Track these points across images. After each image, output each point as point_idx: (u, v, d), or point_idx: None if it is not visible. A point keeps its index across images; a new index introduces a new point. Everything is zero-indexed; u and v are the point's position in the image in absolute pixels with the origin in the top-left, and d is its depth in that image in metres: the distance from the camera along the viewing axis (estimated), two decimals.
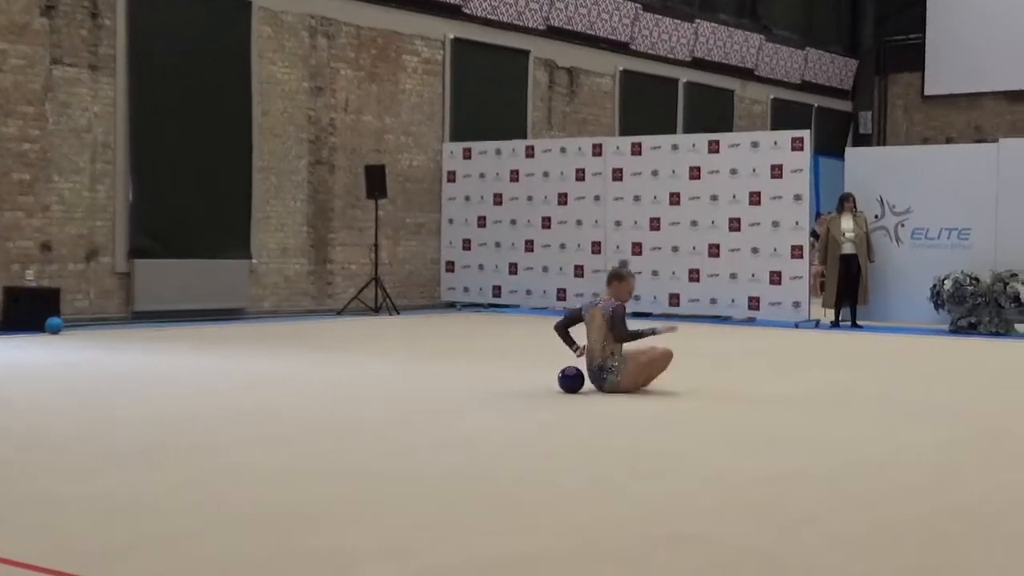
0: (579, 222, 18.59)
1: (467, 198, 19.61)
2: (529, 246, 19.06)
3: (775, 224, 16.97)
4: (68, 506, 5.58)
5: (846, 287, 16.80)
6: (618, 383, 9.52)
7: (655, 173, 17.93)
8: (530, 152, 19.17)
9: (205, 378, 10.53)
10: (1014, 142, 17.17)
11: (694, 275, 17.58)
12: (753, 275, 17.11)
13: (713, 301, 17.49)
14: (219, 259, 16.72)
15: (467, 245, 19.60)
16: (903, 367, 12.58)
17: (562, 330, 9.83)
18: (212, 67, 16.73)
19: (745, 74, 26.62)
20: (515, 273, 19.18)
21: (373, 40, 19.07)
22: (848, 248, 16.75)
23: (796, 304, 16.85)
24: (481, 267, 19.47)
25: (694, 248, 17.58)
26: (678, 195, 17.71)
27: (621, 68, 23.48)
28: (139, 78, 15.93)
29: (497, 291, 19.37)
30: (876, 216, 17.06)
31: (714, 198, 17.43)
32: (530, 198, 19.03)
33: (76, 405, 8.89)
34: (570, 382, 9.49)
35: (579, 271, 18.61)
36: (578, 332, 9.81)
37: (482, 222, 19.46)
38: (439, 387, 10.06)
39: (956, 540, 5.21)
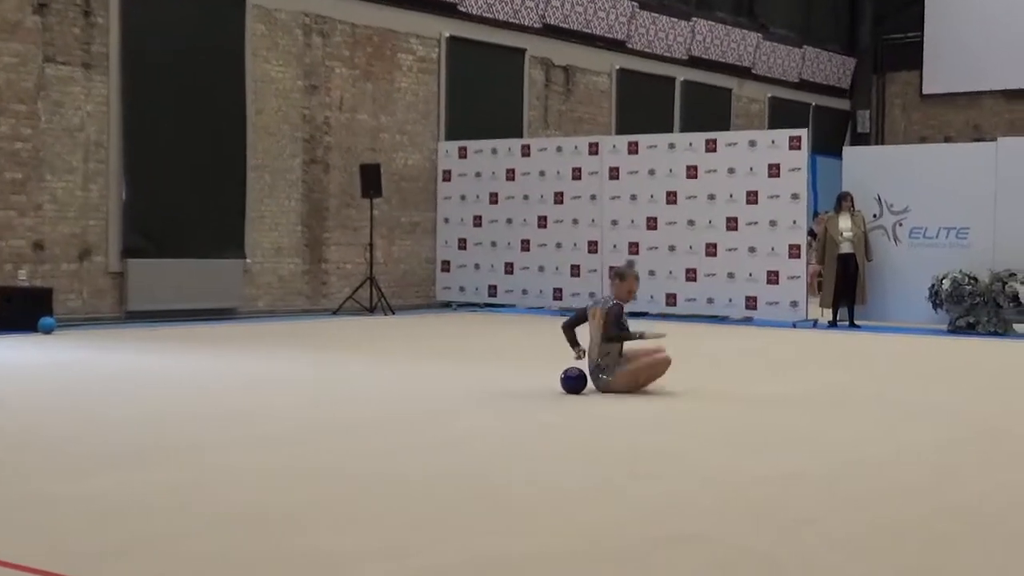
0: (575, 221, 18.52)
1: (463, 197, 19.55)
2: (525, 245, 18.99)
3: (772, 223, 16.91)
4: (61, 507, 5.55)
5: (844, 287, 16.76)
6: (610, 383, 9.49)
7: (652, 172, 17.88)
8: (526, 151, 19.11)
9: (199, 378, 10.48)
10: (1012, 141, 17.15)
11: (691, 275, 17.52)
12: (750, 275, 17.06)
13: (710, 301, 17.44)
14: (213, 259, 16.66)
15: (463, 244, 19.53)
16: (901, 367, 12.55)
17: (568, 329, 9.77)
18: (206, 65, 16.66)
19: (742, 73, 26.58)
20: (511, 273, 19.11)
21: (368, 38, 19.00)
22: (846, 247, 16.70)
23: (794, 304, 16.80)
24: (477, 266, 19.40)
25: (691, 247, 17.52)
26: (675, 194, 17.65)
27: (618, 67, 23.42)
28: (132, 76, 15.86)
29: (493, 291, 19.31)
30: (874, 215, 17.02)
31: (711, 197, 17.38)
32: (526, 197, 18.96)
33: (69, 405, 8.85)
34: (572, 383, 9.44)
35: (575, 271, 18.54)
36: (584, 332, 9.78)
37: (478, 221, 19.40)
38: (436, 387, 10.01)
39: (956, 540, 5.20)
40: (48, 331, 13.90)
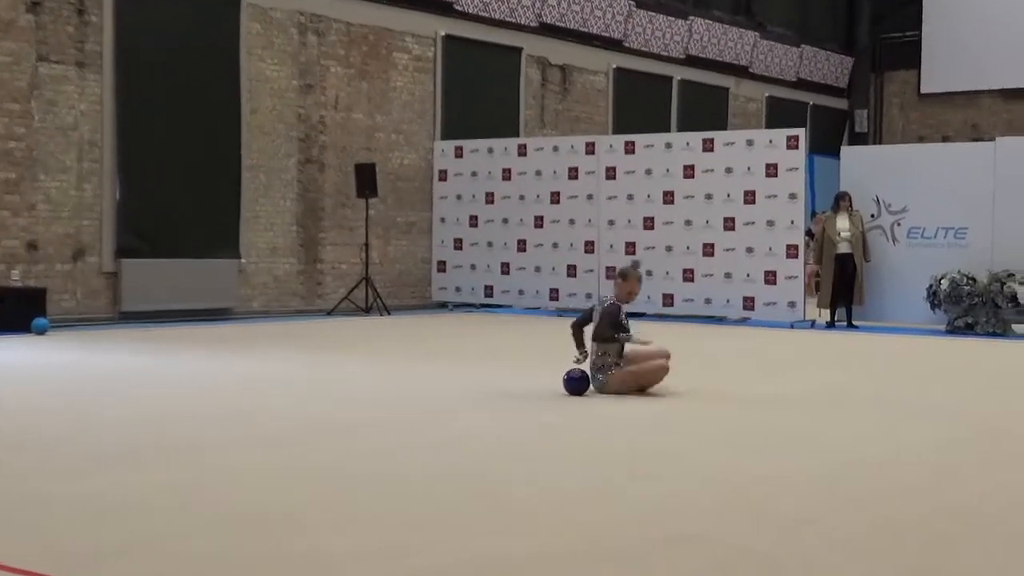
0: (572, 221, 18.46)
1: (459, 197, 19.48)
2: (522, 245, 18.92)
3: (770, 223, 16.85)
4: (56, 507, 5.53)
5: (842, 287, 16.73)
6: (604, 384, 9.45)
7: (649, 172, 17.82)
8: (522, 150, 19.04)
9: (193, 379, 10.45)
10: (1011, 140, 17.13)
11: (688, 275, 17.46)
12: (748, 275, 17.00)
13: (708, 301, 17.38)
14: (207, 259, 16.59)
15: (459, 244, 19.46)
16: (900, 367, 12.53)
17: (576, 329, 9.74)
18: (200, 64, 16.59)
19: (740, 72, 26.54)
20: (507, 273, 19.05)
21: (364, 37, 18.94)
22: (844, 247, 16.67)
23: (791, 304, 16.74)
24: (473, 267, 19.33)
25: (688, 248, 17.46)
26: (672, 194, 17.59)
27: (614, 65, 23.38)
28: (126, 75, 15.79)
29: (489, 291, 19.24)
30: (872, 215, 16.98)
31: (708, 197, 17.31)
32: (522, 197, 18.89)
33: (63, 406, 8.82)
34: (575, 384, 9.39)
35: (572, 271, 18.48)
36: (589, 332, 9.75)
37: (474, 221, 19.33)
38: (434, 388, 9.97)
39: (956, 540, 5.20)
40: (42, 332, 13.84)
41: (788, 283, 16.73)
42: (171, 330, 14.91)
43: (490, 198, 19.18)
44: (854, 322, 16.68)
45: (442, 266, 19.66)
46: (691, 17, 25.01)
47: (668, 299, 17.56)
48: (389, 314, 17.96)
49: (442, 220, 19.68)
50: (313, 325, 16.34)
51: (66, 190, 15.30)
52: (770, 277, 16.84)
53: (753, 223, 16.93)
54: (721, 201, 17.20)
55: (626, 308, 9.68)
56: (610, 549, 4.90)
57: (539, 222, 18.75)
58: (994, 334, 15.56)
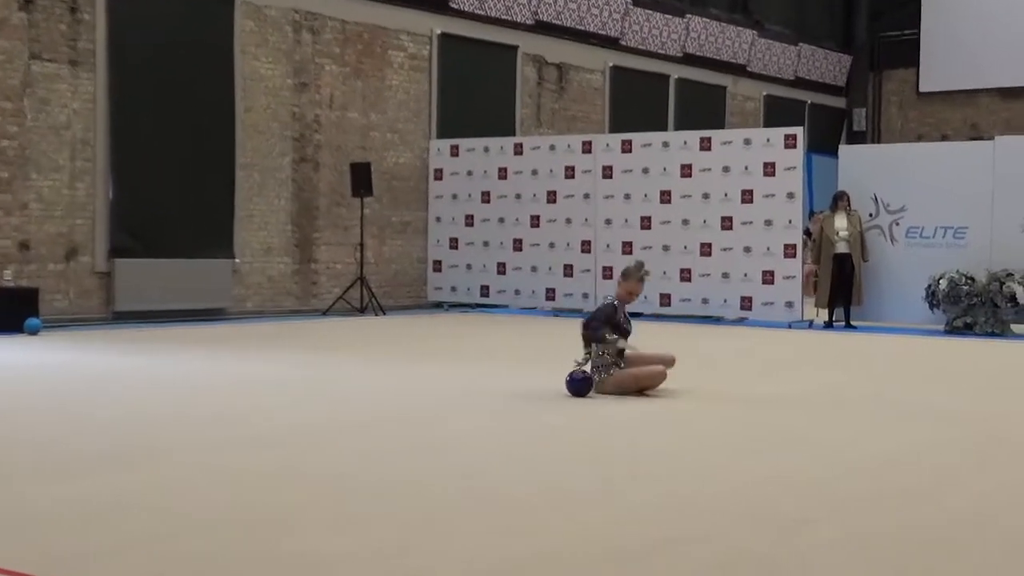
0: (568, 221, 18.38)
1: (454, 196, 19.40)
2: (518, 245, 18.85)
3: (768, 223, 16.78)
4: (48, 508, 5.51)
5: (840, 287, 16.67)
6: (601, 384, 9.38)
7: (646, 171, 17.75)
8: (519, 149, 18.97)
9: (187, 379, 10.41)
10: (1010, 139, 17.10)
11: (685, 275, 17.39)
12: (745, 275, 16.93)
13: (705, 301, 17.31)
14: (201, 258, 16.51)
15: (454, 244, 19.39)
16: (898, 368, 12.50)
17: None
18: (194, 62, 16.51)
19: (737, 70, 26.48)
20: (503, 273, 18.97)
21: (359, 35, 18.86)
22: (842, 247, 16.61)
23: (789, 304, 16.67)
24: (469, 266, 19.25)
25: (685, 247, 17.39)
26: (669, 193, 17.52)
27: (611, 64, 23.31)
28: (119, 74, 15.71)
29: (485, 291, 19.16)
30: (870, 215, 16.93)
31: (706, 196, 17.24)
32: (519, 196, 18.82)
33: (55, 407, 8.78)
34: (577, 385, 9.31)
35: (568, 271, 18.40)
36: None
37: (470, 221, 19.25)
38: (431, 388, 9.94)
39: (955, 540, 5.20)
40: (34, 332, 13.77)
41: (786, 283, 16.67)
42: (164, 330, 14.85)
43: (486, 197, 19.10)
44: (852, 322, 16.63)
45: (438, 266, 19.58)
46: (688, 15, 24.95)
47: (665, 299, 17.48)
48: (384, 314, 17.89)
49: (438, 219, 19.60)
50: (308, 325, 16.28)
51: (59, 189, 15.22)
52: (768, 277, 16.77)
53: (751, 222, 16.86)
54: (718, 200, 17.13)
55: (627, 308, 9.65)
56: (610, 549, 4.88)
57: (535, 221, 18.68)
58: (993, 334, 15.50)
